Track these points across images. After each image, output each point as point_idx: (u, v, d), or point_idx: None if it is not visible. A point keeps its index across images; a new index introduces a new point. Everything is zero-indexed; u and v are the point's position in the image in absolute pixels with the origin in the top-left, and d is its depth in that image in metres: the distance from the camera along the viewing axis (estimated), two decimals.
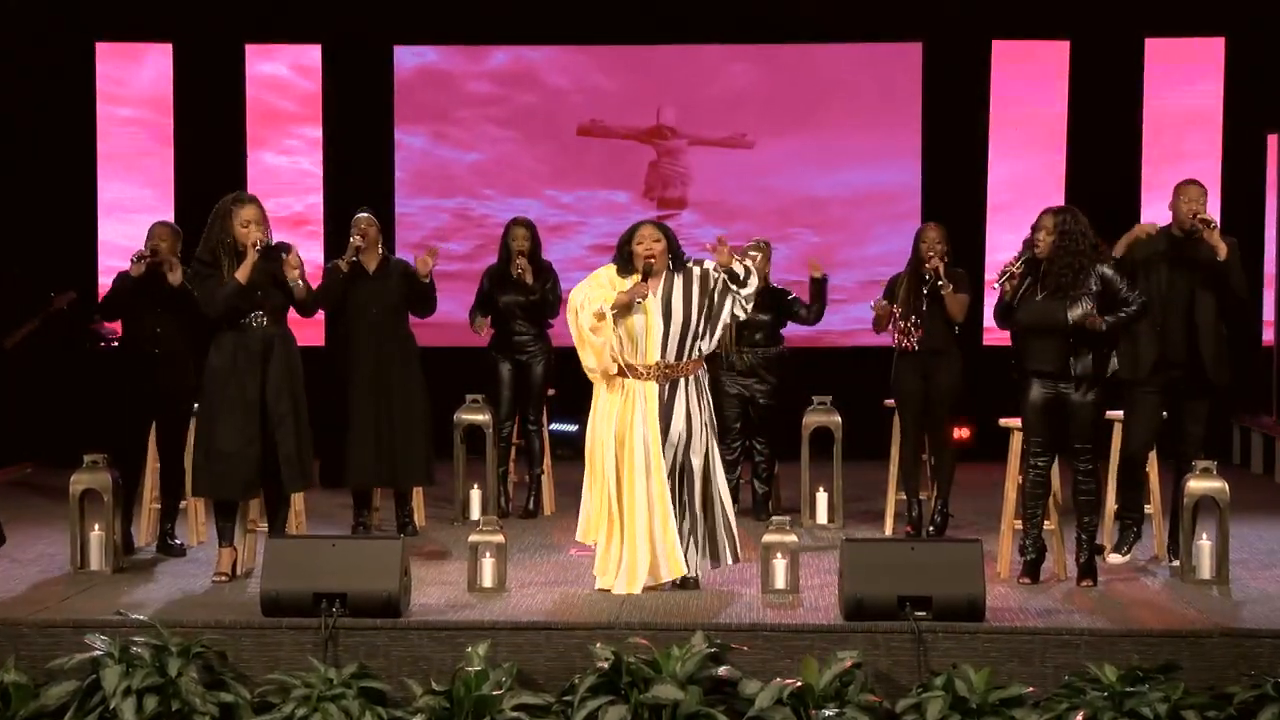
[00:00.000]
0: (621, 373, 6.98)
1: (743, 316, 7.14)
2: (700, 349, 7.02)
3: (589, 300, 6.96)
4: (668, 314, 6.94)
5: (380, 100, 12.27)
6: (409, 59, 12.31)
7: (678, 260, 7.05)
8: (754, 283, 7.06)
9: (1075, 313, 6.95)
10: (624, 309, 6.92)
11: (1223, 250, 7.37)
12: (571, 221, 12.14)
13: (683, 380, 6.99)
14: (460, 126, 12.32)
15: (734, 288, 7.01)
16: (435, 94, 12.31)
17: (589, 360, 7.00)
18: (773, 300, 8.91)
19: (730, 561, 7.07)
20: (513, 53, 12.35)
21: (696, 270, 7.03)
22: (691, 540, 7.00)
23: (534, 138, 12.26)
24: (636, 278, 6.97)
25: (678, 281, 6.99)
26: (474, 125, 12.31)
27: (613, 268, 7.08)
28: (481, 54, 12.35)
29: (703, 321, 6.98)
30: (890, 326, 8.42)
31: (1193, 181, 7.57)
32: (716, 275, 7.01)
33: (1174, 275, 7.46)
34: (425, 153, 12.33)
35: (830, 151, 12.19)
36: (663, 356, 6.95)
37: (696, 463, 6.99)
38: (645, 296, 6.92)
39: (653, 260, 6.95)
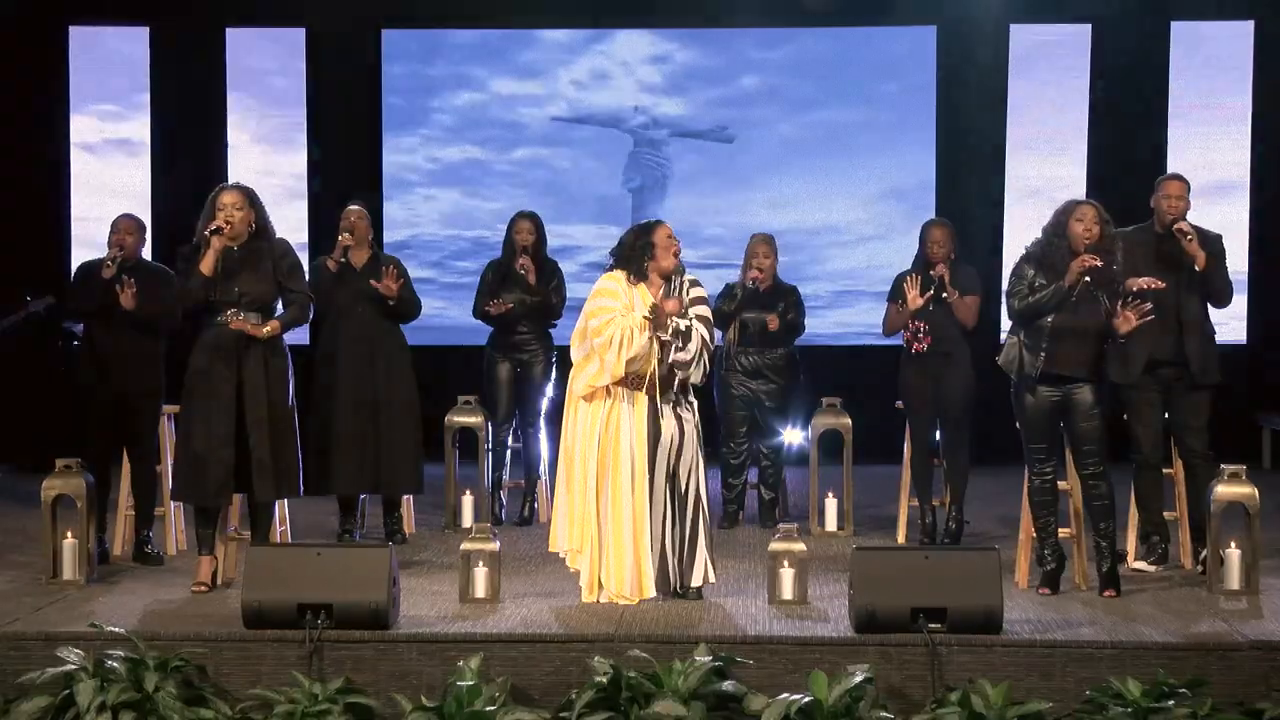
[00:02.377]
0: (638, 384, 6.98)
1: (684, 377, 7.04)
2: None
3: (635, 332, 6.84)
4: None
5: (369, 87, 12.26)
6: (457, 154, 12.38)
7: (680, 268, 7.09)
8: (692, 348, 6.93)
9: (1126, 326, 6.93)
10: (679, 318, 6.92)
11: (1200, 260, 7.51)
12: (571, 246, 12.10)
13: (670, 389, 7.00)
14: (488, 188, 12.36)
15: (676, 343, 6.93)
16: (473, 171, 12.36)
17: (599, 379, 6.92)
18: (778, 298, 8.91)
19: (713, 579, 7.08)
20: (498, 35, 12.32)
21: (685, 284, 7.03)
22: (690, 550, 7.00)
23: (542, 196, 12.14)
24: (644, 289, 6.97)
25: (672, 294, 7.01)
26: (498, 188, 12.35)
27: (619, 276, 7.05)
28: (467, 39, 12.35)
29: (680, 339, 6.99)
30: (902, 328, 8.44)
31: (1174, 177, 7.72)
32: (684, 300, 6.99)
33: (1160, 275, 7.51)
34: (458, 202, 12.37)
35: (839, 141, 12.17)
36: (657, 368, 6.95)
37: (687, 469, 7.00)
38: (680, 311, 6.90)
39: (677, 264, 6.97)
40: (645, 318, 6.86)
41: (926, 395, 8.40)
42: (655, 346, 6.90)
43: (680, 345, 6.92)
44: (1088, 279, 6.93)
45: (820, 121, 12.19)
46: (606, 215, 12.23)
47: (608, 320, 6.89)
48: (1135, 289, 7.15)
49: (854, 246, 12.23)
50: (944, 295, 8.29)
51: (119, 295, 7.75)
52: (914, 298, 8.27)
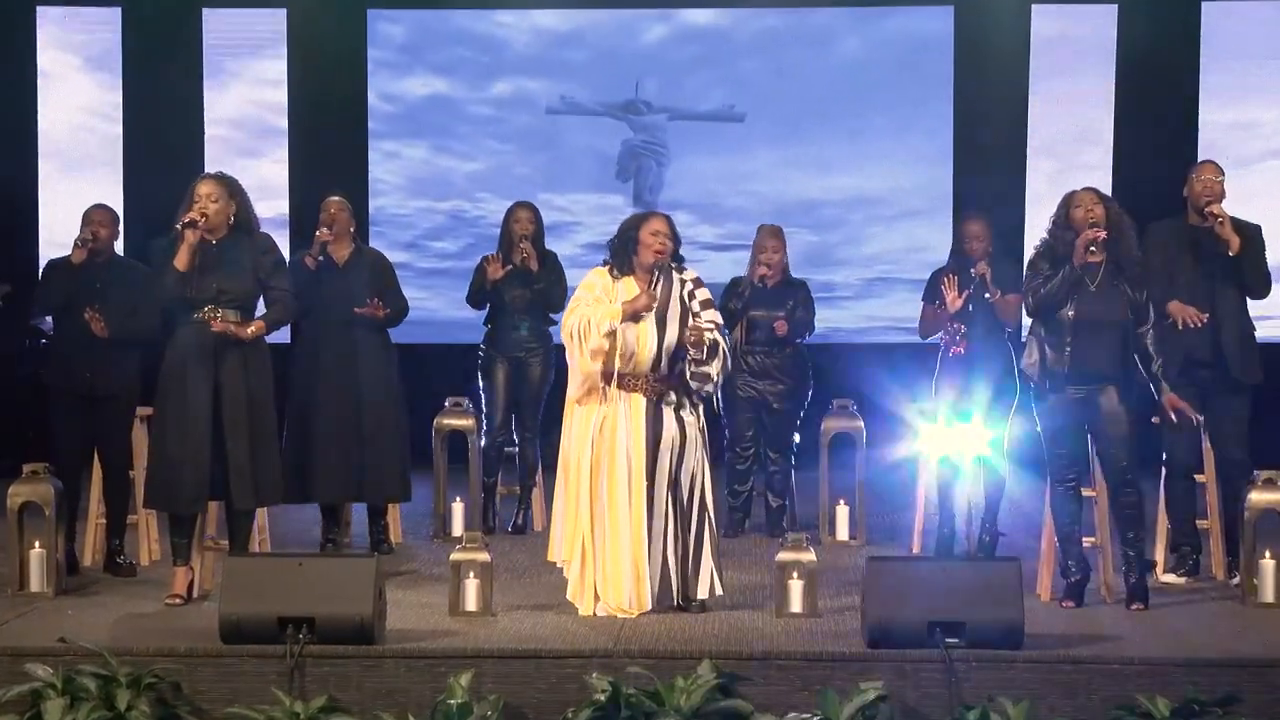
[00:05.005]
0: (606, 379, 6.99)
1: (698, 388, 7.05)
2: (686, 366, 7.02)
3: (597, 323, 6.91)
4: (662, 326, 6.96)
5: (354, 73, 12.24)
6: (421, 89, 12.03)
7: (677, 262, 7.07)
8: (715, 366, 6.96)
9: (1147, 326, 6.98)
10: (631, 321, 6.92)
11: (1235, 244, 7.50)
12: (566, 222, 11.80)
13: (671, 389, 7.01)
14: (461, 141, 11.95)
15: (694, 355, 6.94)
16: (441, 116, 11.93)
17: (575, 378, 7.00)
18: (787, 295, 8.90)
19: (720, 591, 7.08)
20: (486, 17, 12.04)
21: (689, 288, 7.05)
22: (695, 561, 7.00)
23: (529, 152, 11.84)
24: (630, 281, 6.99)
25: (674, 290, 7.02)
26: (473, 140, 11.87)
27: (604, 270, 7.07)
28: (455, 21, 12.21)
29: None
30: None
31: (1209, 162, 7.77)
32: (691, 307, 6.98)
33: (1194, 267, 7.51)
34: (426, 162, 12.06)
35: (850, 129, 12.10)
36: (654, 370, 6.97)
37: (690, 475, 7.01)
38: (652, 309, 6.92)
39: (663, 257, 6.97)
40: (605, 334, 6.88)
41: (961, 399, 8.35)
42: (611, 341, 6.88)
43: (704, 359, 6.92)
44: (1092, 249, 6.96)
45: (824, 109, 11.97)
46: (607, 179, 11.71)
47: (570, 310, 6.96)
48: (1178, 319, 7.16)
49: (895, 223, 11.94)
50: (986, 295, 8.23)
51: (92, 320, 7.73)
52: (953, 299, 8.22)
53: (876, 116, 12.04)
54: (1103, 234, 6.97)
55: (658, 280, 7.01)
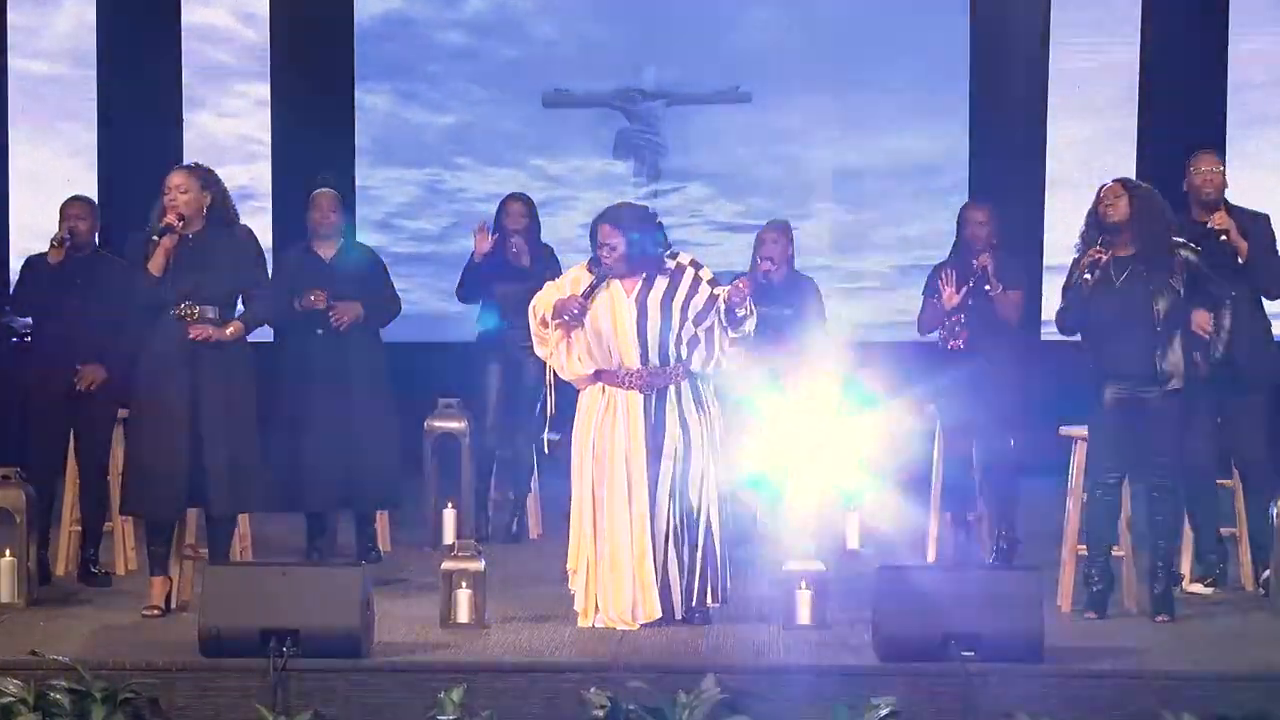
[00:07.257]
0: (598, 377, 7.02)
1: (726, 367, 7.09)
2: (690, 356, 7.00)
3: (537, 306, 7.10)
4: (643, 313, 6.96)
5: (339, 51, 12.20)
6: (372, 8, 11.86)
7: (651, 260, 7.00)
8: (747, 327, 7.00)
9: (1162, 304, 6.98)
10: (560, 318, 6.99)
11: (1243, 250, 7.53)
12: (562, 196, 11.53)
13: (672, 387, 7.01)
14: (431, 84, 11.55)
15: (725, 323, 6.96)
16: (402, 48, 11.62)
17: (559, 372, 7.15)
18: (793, 294, 8.90)
19: (725, 602, 7.10)
20: None
21: (690, 272, 7.03)
22: (700, 571, 7.01)
23: (516, 99, 11.49)
24: (615, 283, 7.02)
25: (660, 276, 7.00)
26: (446, 83, 11.35)
27: (583, 266, 7.13)
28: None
29: (686, 325, 6.97)
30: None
31: (1206, 150, 7.80)
32: (710, 292, 6.97)
33: None
34: (391, 115, 11.80)
35: (858, 111, 12.03)
36: (644, 363, 6.97)
37: (697, 480, 7.01)
38: (575, 312, 6.95)
39: (608, 265, 6.98)
40: (540, 322, 7.05)
41: (964, 399, 8.38)
42: (555, 350, 7.07)
43: (749, 312, 6.95)
44: (1088, 277, 6.97)
45: (830, 91, 11.66)
46: (608, 135, 11.07)
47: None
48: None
49: (871, 234, 11.69)
50: (986, 288, 8.24)
51: (83, 264, 7.72)
52: (949, 294, 8.24)
53: (881, 104, 11.75)
54: (1102, 256, 6.98)
55: (596, 283, 6.98)
